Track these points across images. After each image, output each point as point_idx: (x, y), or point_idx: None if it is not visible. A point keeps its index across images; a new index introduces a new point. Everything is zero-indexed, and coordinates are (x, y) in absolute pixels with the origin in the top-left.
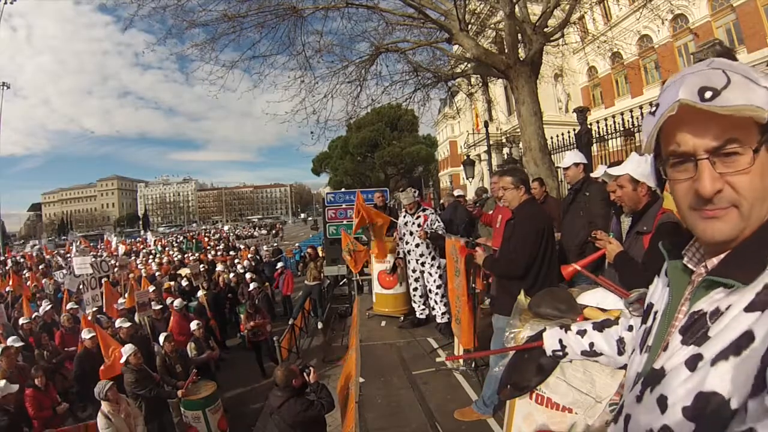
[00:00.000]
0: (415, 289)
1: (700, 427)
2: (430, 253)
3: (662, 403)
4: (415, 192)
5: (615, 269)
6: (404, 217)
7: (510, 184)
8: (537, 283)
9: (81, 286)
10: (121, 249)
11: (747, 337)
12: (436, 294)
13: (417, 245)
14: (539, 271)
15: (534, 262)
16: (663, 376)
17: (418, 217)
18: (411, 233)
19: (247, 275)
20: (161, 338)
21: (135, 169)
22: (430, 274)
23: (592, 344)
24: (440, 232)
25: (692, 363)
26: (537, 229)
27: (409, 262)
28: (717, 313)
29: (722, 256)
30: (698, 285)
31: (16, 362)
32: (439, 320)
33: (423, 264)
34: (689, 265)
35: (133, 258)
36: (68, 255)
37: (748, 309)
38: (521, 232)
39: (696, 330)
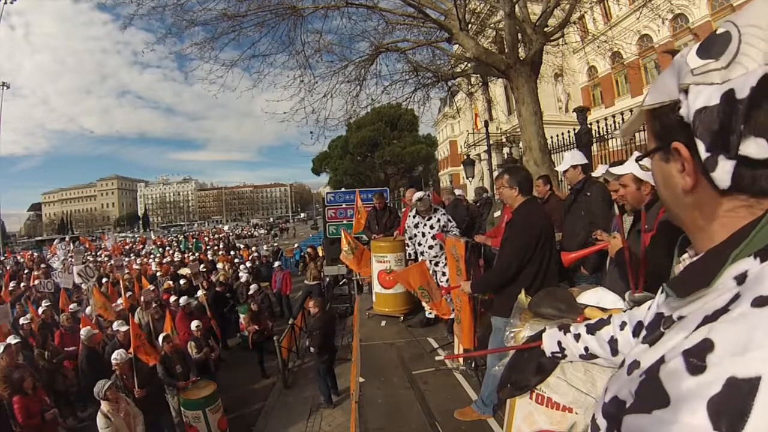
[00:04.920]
0: None
1: (609, 425)
2: (443, 254)
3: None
4: (428, 195)
5: (616, 265)
6: (414, 218)
7: (505, 183)
8: (535, 284)
9: (83, 293)
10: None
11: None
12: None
13: (431, 246)
14: (537, 272)
15: (529, 263)
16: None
17: (430, 218)
18: (423, 234)
19: (243, 276)
20: (161, 338)
21: (135, 169)
22: (444, 274)
23: (587, 348)
24: (454, 232)
25: (630, 367)
26: (531, 230)
27: None
28: (670, 320)
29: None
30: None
31: (17, 360)
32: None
33: (437, 264)
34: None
35: (132, 257)
36: (70, 255)
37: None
38: (515, 233)
39: (653, 329)
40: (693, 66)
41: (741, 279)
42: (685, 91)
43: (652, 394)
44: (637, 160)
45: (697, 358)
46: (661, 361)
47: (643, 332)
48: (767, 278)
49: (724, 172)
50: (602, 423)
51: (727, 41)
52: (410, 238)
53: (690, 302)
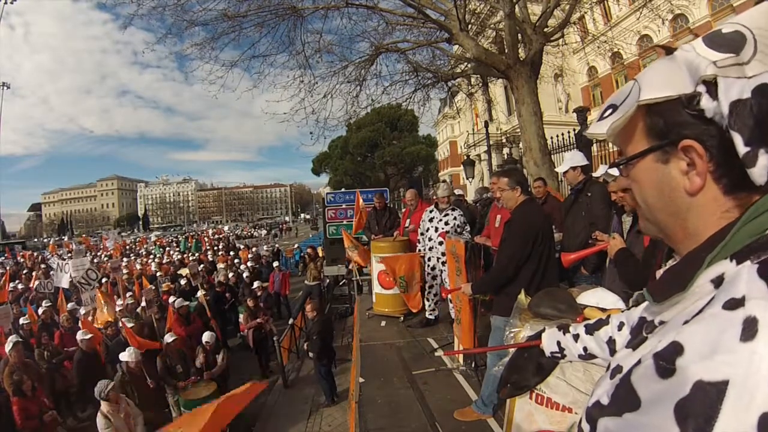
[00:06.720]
0: (431, 287)
1: (591, 429)
2: None
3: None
4: (449, 186)
5: (615, 265)
6: (431, 212)
7: (506, 185)
8: (534, 283)
9: (79, 287)
10: (110, 244)
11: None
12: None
13: (441, 243)
14: (536, 271)
15: (528, 260)
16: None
17: (447, 214)
18: (436, 229)
19: (245, 275)
20: (166, 338)
21: (135, 169)
22: None
23: (585, 348)
24: (465, 235)
25: (613, 372)
26: (530, 229)
27: (429, 259)
28: (652, 325)
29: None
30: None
31: (24, 357)
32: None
33: (444, 263)
34: None
35: (132, 258)
36: (69, 254)
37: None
38: (513, 232)
39: (636, 334)
40: (714, 58)
41: (718, 282)
42: (706, 83)
43: (624, 396)
44: (612, 166)
45: (666, 361)
46: (637, 364)
47: (629, 337)
48: (741, 281)
49: (762, 167)
50: (586, 427)
51: (742, 39)
52: (422, 234)
53: (669, 307)
